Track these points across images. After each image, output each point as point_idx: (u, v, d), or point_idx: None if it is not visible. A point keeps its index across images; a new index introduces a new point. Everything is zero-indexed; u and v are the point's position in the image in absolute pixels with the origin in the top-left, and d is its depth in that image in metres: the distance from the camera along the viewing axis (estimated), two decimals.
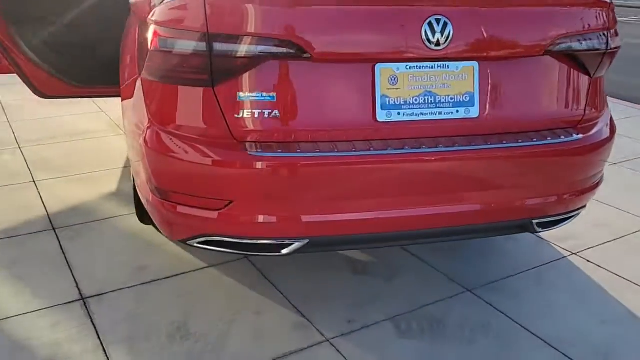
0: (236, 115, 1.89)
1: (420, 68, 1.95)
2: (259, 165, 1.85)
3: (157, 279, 2.57)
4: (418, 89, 1.96)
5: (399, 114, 1.96)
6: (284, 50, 1.84)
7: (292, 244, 1.98)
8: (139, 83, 2.08)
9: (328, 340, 2.21)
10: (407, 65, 1.94)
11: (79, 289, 2.48)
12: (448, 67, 1.98)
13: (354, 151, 1.89)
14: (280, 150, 1.87)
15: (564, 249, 2.94)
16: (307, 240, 1.97)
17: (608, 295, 2.58)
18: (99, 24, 3.62)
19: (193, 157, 1.92)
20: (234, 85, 1.88)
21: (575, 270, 2.78)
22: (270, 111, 1.89)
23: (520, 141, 2.02)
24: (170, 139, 1.96)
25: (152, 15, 1.94)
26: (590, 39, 2.09)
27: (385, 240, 2.07)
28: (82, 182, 3.56)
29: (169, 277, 2.58)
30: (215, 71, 1.85)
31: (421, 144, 1.95)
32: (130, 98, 2.23)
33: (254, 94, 1.88)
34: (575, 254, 2.91)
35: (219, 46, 1.83)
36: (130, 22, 2.42)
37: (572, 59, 2.12)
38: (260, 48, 1.84)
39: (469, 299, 2.51)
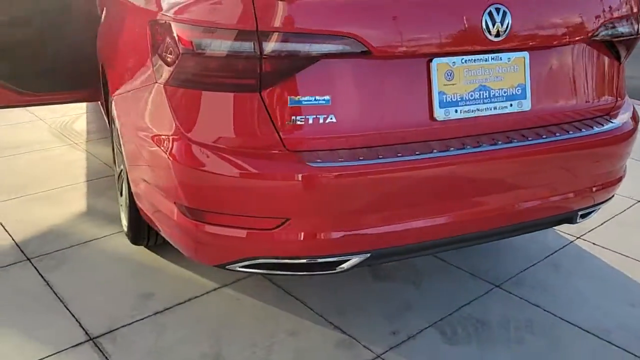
0: (287, 122, 1.69)
1: (475, 61, 1.84)
2: (321, 177, 1.66)
3: (170, 307, 2.30)
4: (473, 84, 1.85)
5: (456, 111, 1.83)
6: (342, 47, 1.66)
7: (350, 259, 1.81)
8: (157, 90, 1.82)
9: (379, 357, 2.07)
10: (462, 59, 1.82)
11: (83, 328, 2.17)
12: (501, 59, 1.87)
13: (417, 154, 1.75)
14: (341, 159, 1.69)
15: (568, 234, 2.95)
16: (368, 254, 1.81)
17: (625, 277, 2.60)
18: (49, 20, 3.24)
19: (238, 172, 1.70)
20: (285, 89, 1.67)
21: (585, 254, 2.79)
22: (325, 116, 1.71)
23: (570, 132, 1.96)
24: (207, 152, 1.72)
25: (179, 11, 1.68)
26: (625, 25, 2.06)
27: (446, 245, 1.95)
28: (43, 202, 3.17)
29: (182, 303, 2.32)
30: (264, 74, 1.64)
31: (479, 142, 1.84)
32: (138, 106, 1.96)
33: (307, 98, 1.69)
34: (579, 237, 2.92)
35: (269, 46, 1.62)
36: (129, 21, 2.12)
37: (609, 46, 2.08)
38: (316, 46, 1.65)
39: (500, 295, 2.44)
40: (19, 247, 2.70)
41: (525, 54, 1.90)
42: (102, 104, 3.55)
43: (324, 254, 1.78)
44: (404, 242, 1.84)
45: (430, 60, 1.79)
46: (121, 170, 2.76)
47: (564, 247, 2.85)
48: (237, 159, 1.70)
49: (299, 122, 1.69)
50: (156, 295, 2.38)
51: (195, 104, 1.74)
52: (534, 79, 1.93)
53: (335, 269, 1.83)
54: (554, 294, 2.46)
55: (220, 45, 1.64)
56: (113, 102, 2.26)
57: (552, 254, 2.78)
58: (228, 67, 1.66)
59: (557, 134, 1.93)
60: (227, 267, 1.88)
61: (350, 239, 1.77)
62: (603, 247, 2.83)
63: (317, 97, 1.69)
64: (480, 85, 1.85)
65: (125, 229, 2.66)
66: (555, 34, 1.92)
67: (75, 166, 3.64)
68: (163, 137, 1.82)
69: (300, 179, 1.66)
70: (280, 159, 1.69)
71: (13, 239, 2.78)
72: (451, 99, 1.82)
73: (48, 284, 2.43)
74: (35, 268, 2.54)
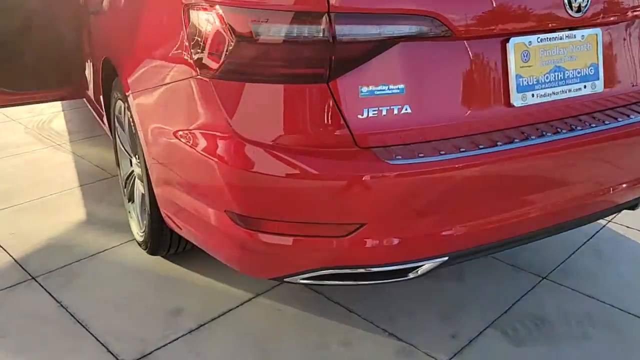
0: (359, 116, 1.50)
1: (550, 40, 1.68)
2: (402, 175, 1.48)
3: (204, 323, 2.09)
4: (548, 64, 1.69)
5: (532, 95, 1.67)
6: (422, 28, 1.48)
7: (425, 265, 1.64)
8: (199, 84, 1.60)
9: None
10: (538, 38, 1.66)
11: (113, 355, 1.94)
12: (574, 37, 1.72)
13: (499, 145, 1.58)
14: (422, 155, 1.51)
15: None
16: (446, 257, 1.64)
17: None
18: (28, 14, 2.95)
19: (305, 174, 1.50)
20: (356, 79, 1.48)
21: (621, 238, 2.70)
22: (399, 106, 1.52)
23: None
24: (265, 153, 1.52)
25: None
26: None
27: (521, 241, 1.79)
28: (36, 211, 2.88)
29: (216, 318, 2.11)
30: (334, 62, 1.44)
31: (558, 129, 1.68)
32: (169, 103, 1.73)
33: (380, 87, 1.50)
34: (610, 221, 2.83)
35: (343, 29, 1.42)
36: (153, 8, 1.87)
37: None
38: (394, 28, 1.46)
39: (549, 287, 2.32)
40: (20, 265, 2.43)
41: (598, 30, 1.75)
42: (90, 101, 3.27)
43: (401, 260, 1.61)
44: (483, 241, 1.67)
45: (507, 40, 1.61)
46: (130, 174, 2.51)
47: (598, 231, 2.75)
48: (303, 160, 1.50)
49: (371, 115, 1.50)
50: (186, 310, 2.15)
51: (250, 99, 1.52)
52: (606, 58, 1.78)
53: (407, 276, 1.65)
54: (602, 282, 2.35)
55: (282, 31, 1.43)
56: (129, 101, 2.01)
57: (588, 241, 2.68)
58: (291, 55, 1.46)
59: (631, 116, 1.79)
60: (285, 279, 1.68)
61: (430, 242, 1.59)
62: (637, 230, 2.75)
63: (391, 86, 1.50)
64: (555, 66, 1.69)
65: (139, 237, 2.42)
66: (626, 7, 1.77)
67: (64, 170, 3.35)
68: (208, 137, 1.60)
69: (379, 179, 1.47)
70: (353, 158, 1.49)
71: (11, 256, 2.50)
72: (527, 82, 1.66)
73: (61, 304, 2.18)
74: (43, 287, 2.28)
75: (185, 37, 1.63)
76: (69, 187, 3.12)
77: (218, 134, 1.57)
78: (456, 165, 1.52)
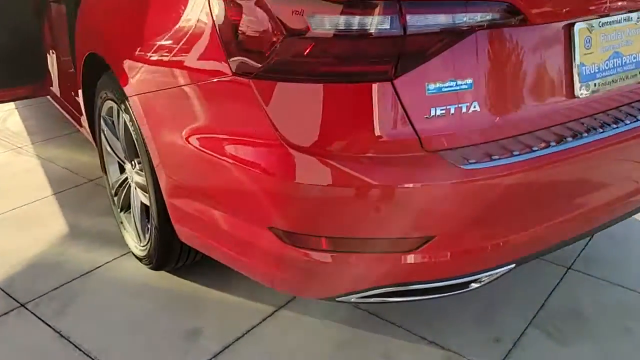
0: (426, 117, 1.34)
1: (610, 23, 1.56)
2: (478, 181, 1.33)
3: (228, 344, 1.90)
4: (608, 50, 1.58)
5: (595, 85, 1.55)
6: (497, 15, 1.32)
7: (491, 274, 1.51)
8: (235, 85, 1.40)
9: None
10: (599, 22, 1.53)
11: None
12: (630, 19, 1.61)
13: (569, 141, 1.46)
14: (495, 156, 1.36)
15: None
16: (513, 265, 1.51)
17: None
18: None
19: (368, 185, 1.33)
20: (423, 75, 1.32)
21: (629, 221, 2.67)
22: (468, 104, 1.37)
23: None
24: (320, 162, 1.34)
25: None
26: None
27: (579, 239, 1.68)
28: (10, 225, 2.59)
29: (240, 337, 1.93)
30: (403, 57, 1.27)
31: (618, 119, 1.58)
32: (193, 106, 1.52)
33: (447, 83, 1.34)
34: None
35: (414, 20, 1.25)
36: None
37: None
38: (467, 16, 1.30)
39: (577, 278, 2.25)
40: (3, 291, 2.16)
41: None
42: (57, 99, 2.96)
43: (469, 272, 1.47)
44: (547, 243, 1.56)
45: (572, 25, 1.48)
46: (122, 181, 2.27)
47: None
48: (364, 168, 1.33)
49: (439, 115, 1.34)
50: (205, 331, 1.96)
51: (301, 101, 1.34)
52: None
53: (469, 287, 1.52)
54: (625, 268, 2.31)
55: (344, 23, 1.24)
56: (131, 103, 1.77)
57: None
58: (353, 50, 1.28)
59: None
60: (338, 299, 1.51)
61: (499, 250, 1.46)
62: None
63: (459, 81, 1.35)
64: (613, 52, 1.58)
65: (139, 251, 2.19)
66: None
67: (33, 176, 3.03)
68: (247, 145, 1.41)
69: (452, 186, 1.32)
70: (422, 164, 1.34)
71: None
72: (589, 70, 1.54)
73: (61, 334, 1.94)
74: (37, 316, 2.02)
75: (216, 31, 1.41)
76: (41, 196, 2.82)
77: (261, 141, 1.38)
78: (530, 166, 1.39)
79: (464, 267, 1.45)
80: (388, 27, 1.25)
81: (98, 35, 1.99)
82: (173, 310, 2.04)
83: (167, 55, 1.57)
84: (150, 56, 1.63)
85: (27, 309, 2.06)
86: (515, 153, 1.38)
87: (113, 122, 2.22)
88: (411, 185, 1.31)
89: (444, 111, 1.34)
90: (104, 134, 2.27)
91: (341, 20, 1.24)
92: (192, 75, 1.50)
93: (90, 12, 2.06)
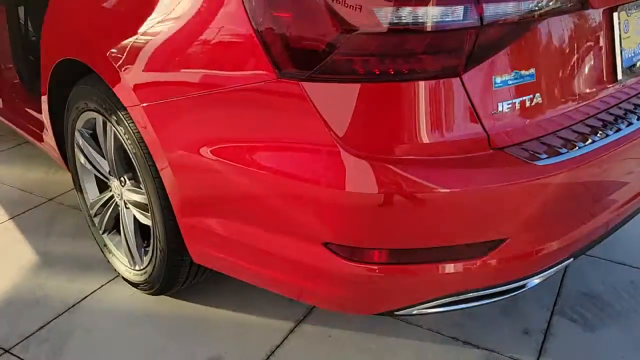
0: (493, 112, 1.25)
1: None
2: (550, 177, 1.26)
3: None
4: None
5: (631, 69, 1.53)
6: (566, 1, 1.25)
7: (548, 271, 1.46)
8: (277, 88, 1.26)
9: None
10: (635, 5, 1.51)
11: None
12: None
13: (622, 129, 1.43)
14: (564, 150, 1.30)
15: None
16: (570, 259, 1.47)
17: None
18: None
19: (437, 190, 1.23)
20: (489, 68, 1.24)
21: None
22: (531, 96, 1.30)
23: None
24: (387, 169, 1.23)
25: None
26: None
27: (620, 227, 1.66)
28: None
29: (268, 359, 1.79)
30: (474, 50, 1.18)
31: None
32: (221, 114, 1.37)
33: (512, 75, 1.27)
34: None
35: (490, 9, 1.15)
36: None
37: None
38: (536, 3, 1.21)
39: (583, 260, 2.26)
40: None
41: None
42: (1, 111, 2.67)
43: (534, 271, 1.41)
44: (603, 232, 1.53)
45: (614, 9, 1.44)
46: (108, 199, 2.05)
47: None
48: (433, 173, 1.23)
49: (505, 110, 1.26)
50: (225, 356, 1.80)
51: (362, 103, 1.21)
52: None
53: (524, 288, 1.46)
54: (626, 247, 2.34)
55: (414, 15, 1.13)
56: (135, 114, 1.57)
57: None
58: (422, 45, 1.17)
59: None
60: (397, 312, 1.41)
61: (563, 245, 1.41)
62: None
63: (523, 73, 1.27)
64: None
65: (134, 276, 1.98)
66: None
67: None
68: (297, 154, 1.27)
69: (527, 184, 1.24)
70: (492, 163, 1.25)
71: None
72: (627, 55, 1.52)
73: None
74: None
75: (252, 27, 1.25)
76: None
77: (316, 150, 1.25)
78: (595, 157, 1.34)
79: (530, 267, 1.39)
80: (461, 18, 1.15)
81: (80, 39, 1.75)
82: (183, 337, 1.86)
83: (188, 60, 1.39)
84: (165, 60, 1.44)
85: (13, 354, 1.81)
86: (579, 145, 1.32)
87: (92, 135, 2.00)
88: (487, 187, 1.22)
89: (510, 105, 1.27)
90: (81, 149, 2.04)
91: (411, 13, 1.13)
92: (223, 81, 1.34)
93: (70, 12, 1.82)
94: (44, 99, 2.10)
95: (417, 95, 1.20)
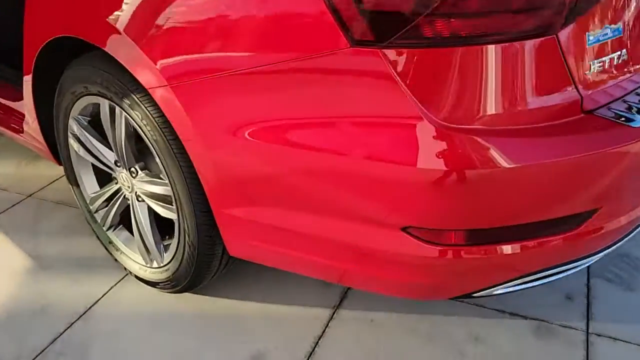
0: (586, 73, 1.15)
1: None
2: None
3: None
4: None
5: None
6: None
7: (615, 245, 1.40)
8: (349, 59, 1.12)
9: (592, 334, 1.73)
10: None
11: None
12: None
13: None
14: None
15: None
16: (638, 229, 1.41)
17: None
18: None
19: (537, 162, 1.13)
20: (584, 24, 1.13)
21: None
22: (619, 53, 1.21)
23: None
24: (480, 142, 1.12)
25: None
26: None
27: None
28: None
29: (312, 352, 1.67)
30: (575, 5, 1.07)
31: None
32: (279, 90, 1.22)
33: (603, 31, 1.17)
34: None
35: None
36: None
37: None
38: None
39: None
40: None
41: None
42: None
43: (612, 242, 1.33)
44: None
45: None
46: (114, 193, 1.85)
47: None
48: (530, 143, 1.13)
49: (596, 69, 1.17)
50: (269, 353, 1.67)
51: (449, 70, 1.09)
52: None
53: (588, 262, 1.39)
54: None
55: None
56: (162, 95, 1.38)
57: None
58: (519, 2, 1.04)
59: None
60: (475, 294, 1.32)
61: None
62: None
63: (612, 27, 1.17)
64: None
65: (154, 275, 1.81)
66: None
67: None
68: (375, 131, 1.14)
69: (626, 148, 1.16)
70: (590, 128, 1.16)
71: None
72: None
73: None
74: None
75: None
76: None
77: (398, 124, 1.11)
78: None
79: (616, 235, 1.32)
80: None
81: (81, 12, 1.53)
82: (215, 337, 1.72)
83: (237, 31, 1.21)
84: (206, 33, 1.26)
85: None
86: None
87: (90, 123, 1.78)
88: (588, 154, 1.13)
89: (601, 64, 1.17)
90: (76, 139, 1.82)
91: None
92: (280, 52, 1.17)
93: None
94: (27, 85, 1.85)
95: (509, 58, 1.08)
